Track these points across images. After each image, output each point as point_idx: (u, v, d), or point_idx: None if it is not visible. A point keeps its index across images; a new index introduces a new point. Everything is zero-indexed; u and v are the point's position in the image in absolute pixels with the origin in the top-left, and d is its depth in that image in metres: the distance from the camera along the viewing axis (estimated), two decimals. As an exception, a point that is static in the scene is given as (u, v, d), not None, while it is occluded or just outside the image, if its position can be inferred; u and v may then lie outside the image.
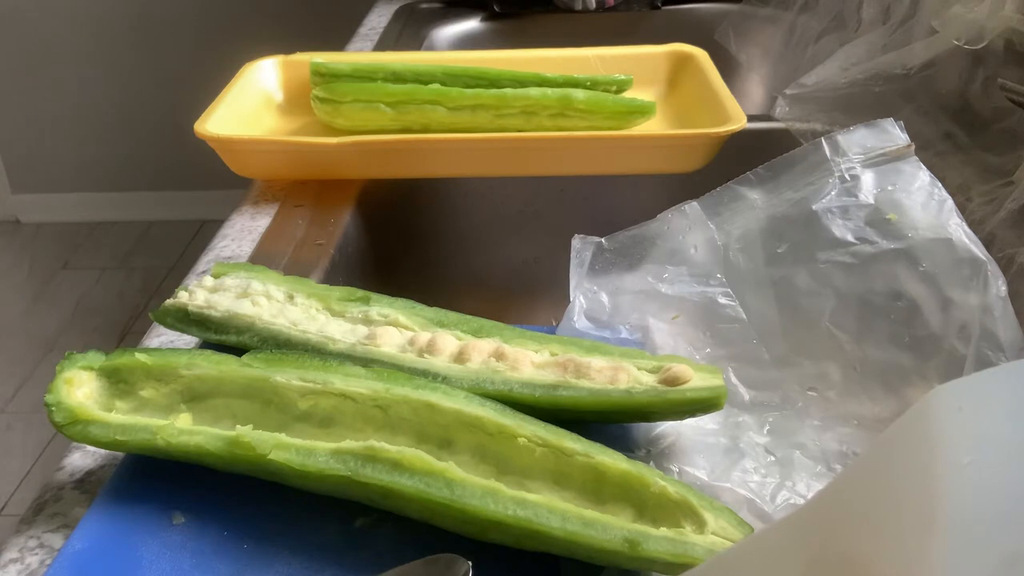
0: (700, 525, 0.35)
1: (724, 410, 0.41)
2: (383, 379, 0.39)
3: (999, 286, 0.43)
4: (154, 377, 0.41)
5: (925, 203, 0.46)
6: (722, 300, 0.48)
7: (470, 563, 0.33)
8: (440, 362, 0.42)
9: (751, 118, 0.66)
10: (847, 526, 0.23)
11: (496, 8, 1.08)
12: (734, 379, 0.46)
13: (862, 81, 0.67)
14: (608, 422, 0.42)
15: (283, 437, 0.37)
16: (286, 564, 0.37)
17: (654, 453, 0.42)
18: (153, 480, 0.40)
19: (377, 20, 1.09)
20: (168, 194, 2.40)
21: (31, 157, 2.38)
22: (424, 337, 0.43)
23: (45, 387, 0.40)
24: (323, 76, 0.71)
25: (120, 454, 0.42)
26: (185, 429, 0.39)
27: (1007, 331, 0.43)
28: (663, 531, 0.34)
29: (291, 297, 0.46)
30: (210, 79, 0.96)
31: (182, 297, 0.47)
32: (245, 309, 0.45)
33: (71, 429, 0.39)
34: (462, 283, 0.79)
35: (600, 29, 1.08)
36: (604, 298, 0.50)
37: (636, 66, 0.76)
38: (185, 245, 2.30)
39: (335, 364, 0.40)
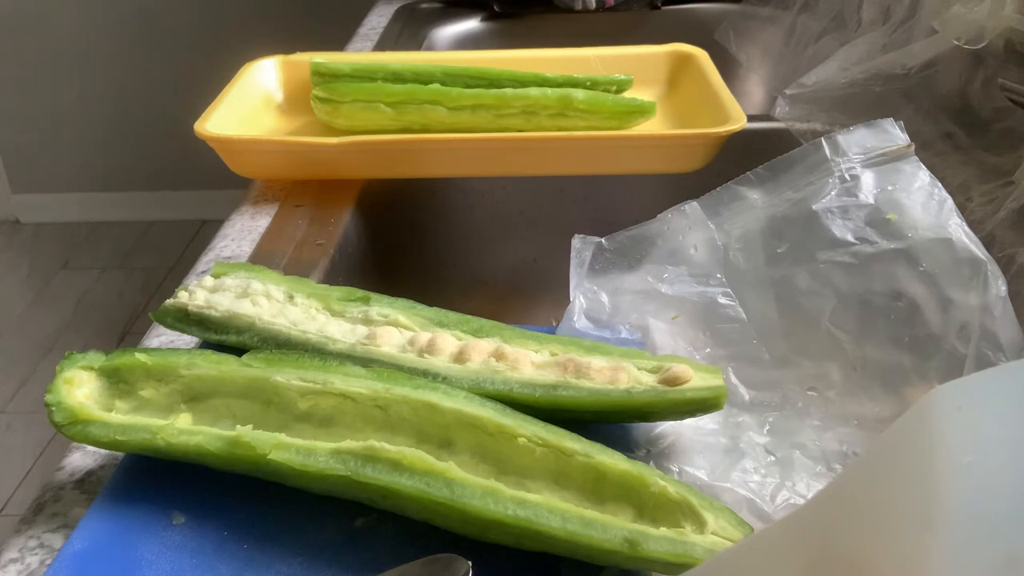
0: (700, 525, 0.34)
1: (724, 410, 0.41)
2: (383, 379, 0.39)
3: (999, 286, 0.43)
4: (154, 377, 0.41)
5: (925, 203, 0.46)
6: (722, 300, 0.48)
7: (470, 563, 0.33)
8: (440, 362, 0.42)
9: (751, 118, 0.66)
10: (847, 526, 0.23)
11: (496, 8, 1.08)
12: (734, 379, 0.46)
13: (862, 81, 0.67)
14: (608, 422, 0.42)
15: (283, 437, 0.37)
16: (286, 564, 0.37)
17: (654, 453, 0.42)
18: (153, 480, 0.40)
19: (377, 20, 1.09)
20: (168, 194, 2.40)
21: (31, 157, 2.38)
22: (424, 337, 0.43)
23: (45, 387, 0.40)
24: (323, 76, 0.71)
25: (120, 454, 0.42)
26: (185, 429, 0.39)
27: (1007, 331, 0.43)
28: (663, 531, 0.34)
29: (291, 297, 0.46)
30: (210, 79, 0.96)
31: (182, 297, 0.47)
32: (245, 309, 0.45)
33: (71, 429, 0.39)
34: (462, 283, 0.79)
35: (600, 29, 1.08)
36: (604, 298, 0.50)
37: (636, 66, 0.75)
38: (185, 245, 2.30)
39: (335, 364, 0.40)
